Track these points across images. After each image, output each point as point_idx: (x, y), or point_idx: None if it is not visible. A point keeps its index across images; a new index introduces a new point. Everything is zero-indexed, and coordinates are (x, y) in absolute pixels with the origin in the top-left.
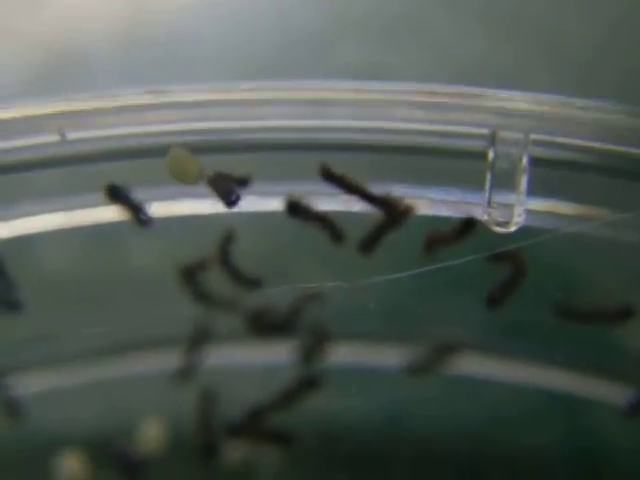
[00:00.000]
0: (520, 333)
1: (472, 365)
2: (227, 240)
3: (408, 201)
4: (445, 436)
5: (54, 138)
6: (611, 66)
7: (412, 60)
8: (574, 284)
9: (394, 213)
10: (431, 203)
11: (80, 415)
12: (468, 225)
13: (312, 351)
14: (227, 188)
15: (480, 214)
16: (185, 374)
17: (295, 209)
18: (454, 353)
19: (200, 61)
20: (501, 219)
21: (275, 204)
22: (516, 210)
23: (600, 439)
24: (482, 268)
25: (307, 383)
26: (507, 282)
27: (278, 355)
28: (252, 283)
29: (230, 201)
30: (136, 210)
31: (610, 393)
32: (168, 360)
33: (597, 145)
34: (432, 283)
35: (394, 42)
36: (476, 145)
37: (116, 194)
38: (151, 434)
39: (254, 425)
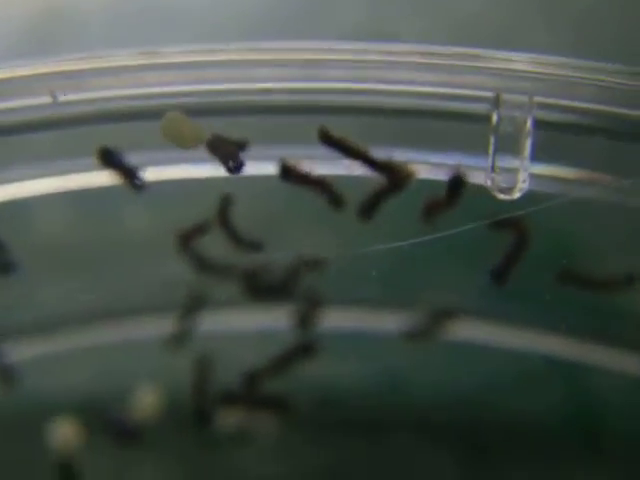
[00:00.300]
0: (519, 299)
1: (471, 331)
2: (226, 203)
3: (409, 166)
4: (444, 402)
5: (46, 100)
6: (610, 24)
7: (406, 21)
8: (574, 249)
9: (394, 178)
10: (432, 167)
11: (74, 381)
12: (456, 184)
13: (307, 316)
14: (229, 153)
15: (482, 179)
16: (180, 340)
17: (288, 173)
18: (453, 319)
19: (195, 22)
20: (504, 185)
21: (272, 168)
22: (520, 176)
23: (599, 404)
24: (483, 235)
25: (303, 349)
26: (510, 251)
27: (274, 320)
28: (253, 246)
29: (233, 167)
30: (130, 174)
31: (609, 358)
32: (163, 326)
33: (601, 107)
34: (431, 249)
35: (387, 2)
36: (479, 108)
37: (109, 158)
38: (145, 400)
39: (249, 392)
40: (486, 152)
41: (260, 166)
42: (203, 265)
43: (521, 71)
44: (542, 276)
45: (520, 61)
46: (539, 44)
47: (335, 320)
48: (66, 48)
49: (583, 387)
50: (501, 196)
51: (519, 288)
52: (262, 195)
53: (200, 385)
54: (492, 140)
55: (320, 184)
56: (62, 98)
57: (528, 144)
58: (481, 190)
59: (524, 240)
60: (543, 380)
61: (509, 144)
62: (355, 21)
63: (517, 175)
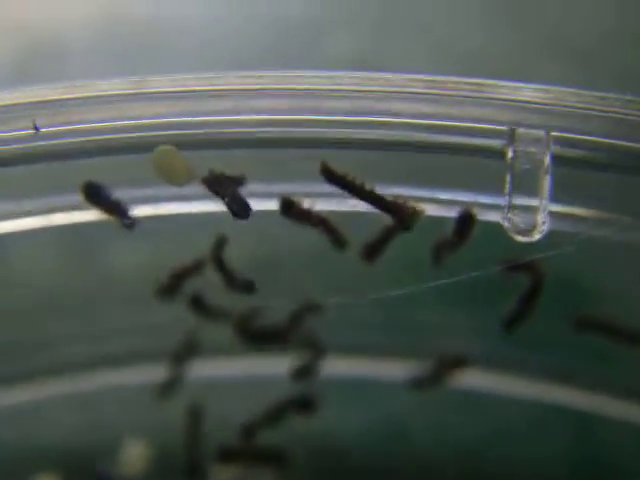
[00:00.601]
0: (529, 345)
1: (479, 379)
2: (220, 243)
3: (416, 204)
4: (449, 452)
5: (26, 132)
6: (617, 55)
7: (408, 53)
8: (589, 292)
9: (401, 217)
10: (443, 206)
11: (56, 433)
12: (464, 222)
13: (308, 365)
14: (228, 191)
15: (497, 218)
16: (171, 388)
17: (290, 209)
18: (461, 367)
19: (186, 51)
20: (523, 226)
21: (270, 205)
22: (539, 216)
23: (610, 456)
24: (494, 278)
25: (303, 404)
26: (524, 297)
27: (271, 367)
28: (245, 288)
29: (240, 210)
30: (118, 212)
31: (621, 409)
32: (152, 373)
33: (624, 143)
34: (439, 293)
35: (390, 33)
36: (493, 143)
37: (95, 194)
38: (134, 453)
39: (246, 444)
40: (501, 189)
41: (258, 203)
42: (196, 308)
43: (538, 103)
44: (554, 321)
45: (536, 93)
46: (547, 77)
47: (336, 368)
48: (50, 77)
49: (594, 438)
50: (520, 238)
51: (529, 334)
52: (259, 233)
53: (192, 437)
54: (508, 178)
55: (323, 223)
56: (45, 129)
57: (547, 182)
58: (495, 230)
59: (540, 286)
60: (553, 430)
61: (526, 182)
62: (351, 53)
63: (536, 215)
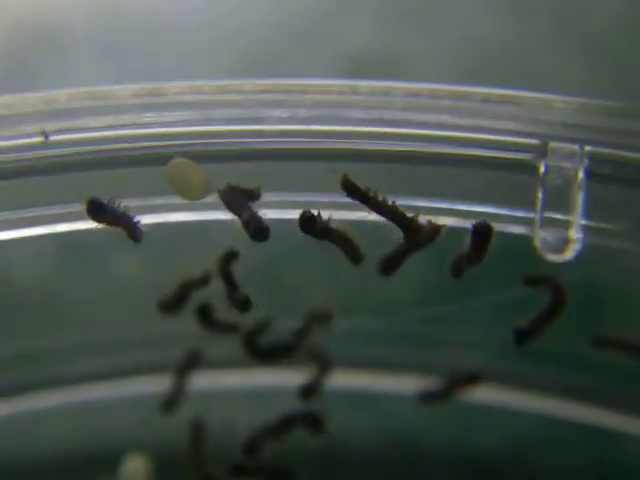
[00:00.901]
0: (543, 361)
1: (491, 393)
2: (229, 257)
3: (436, 222)
4: (460, 467)
5: (31, 141)
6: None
7: (412, 41)
8: (608, 305)
9: (417, 236)
10: (467, 219)
11: (57, 445)
12: (479, 233)
13: (315, 379)
14: (251, 219)
15: (524, 234)
16: (174, 401)
17: (311, 225)
18: (473, 383)
19: (196, 55)
20: (555, 244)
21: (276, 215)
22: (572, 234)
23: (623, 472)
24: (512, 294)
25: (310, 422)
26: (543, 313)
27: (277, 380)
28: (240, 304)
29: (258, 235)
30: (126, 227)
31: (636, 426)
32: (155, 386)
33: None
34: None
35: (390, 21)
36: (524, 157)
37: (100, 212)
38: (135, 467)
39: (250, 460)
40: (529, 205)
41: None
42: (204, 320)
43: (571, 117)
44: (570, 337)
45: (569, 106)
46: (574, 86)
47: (347, 382)
48: (53, 81)
49: (609, 454)
50: (552, 257)
51: (545, 349)
52: (268, 243)
53: (195, 450)
54: (540, 194)
55: (342, 238)
56: (51, 138)
57: (580, 198)
58: (519, 245)
59: (562, 303)
60: (567, 446)
61: (559, 198)
62: (357, 43)
63: (569, 233)
